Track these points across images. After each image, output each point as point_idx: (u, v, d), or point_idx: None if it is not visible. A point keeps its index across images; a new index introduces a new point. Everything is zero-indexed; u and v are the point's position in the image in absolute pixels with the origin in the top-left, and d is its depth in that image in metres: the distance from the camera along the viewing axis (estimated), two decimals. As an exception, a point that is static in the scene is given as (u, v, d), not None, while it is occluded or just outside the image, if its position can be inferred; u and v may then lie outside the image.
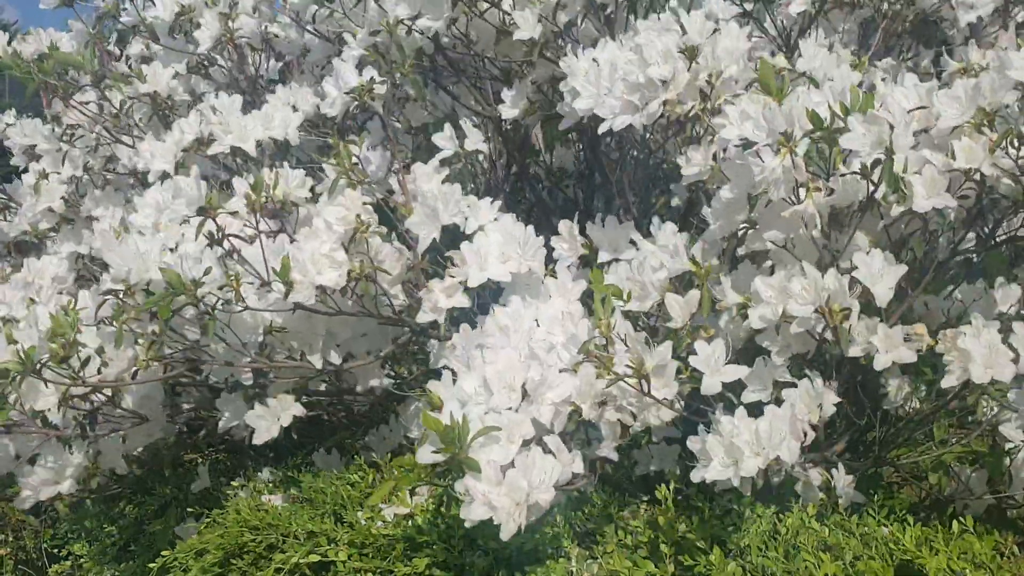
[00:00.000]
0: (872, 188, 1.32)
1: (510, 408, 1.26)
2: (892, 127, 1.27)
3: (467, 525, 1.19)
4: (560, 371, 1.31)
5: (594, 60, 1.51)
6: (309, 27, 2.12)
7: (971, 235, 1.55)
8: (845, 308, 1.29)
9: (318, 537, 1.55)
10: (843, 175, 1.33)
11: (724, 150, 1.46)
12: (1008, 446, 1.52)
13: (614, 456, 1.38)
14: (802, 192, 1.34)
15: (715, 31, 1.44)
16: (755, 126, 1.33)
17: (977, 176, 1.33)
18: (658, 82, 1.42)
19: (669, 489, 1.39)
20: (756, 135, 1.33)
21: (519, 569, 1.39)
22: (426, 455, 1.20)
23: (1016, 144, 1.30)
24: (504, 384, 1.29)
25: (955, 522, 1.29)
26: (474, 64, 1.94)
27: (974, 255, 1.59)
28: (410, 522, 1.52)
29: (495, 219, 1.53)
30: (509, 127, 2.00)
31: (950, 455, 1.60)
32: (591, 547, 1.42)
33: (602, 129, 1.48)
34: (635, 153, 1.98)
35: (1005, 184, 1.35)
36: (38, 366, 1.49)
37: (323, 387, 1.80)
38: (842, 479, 1.44)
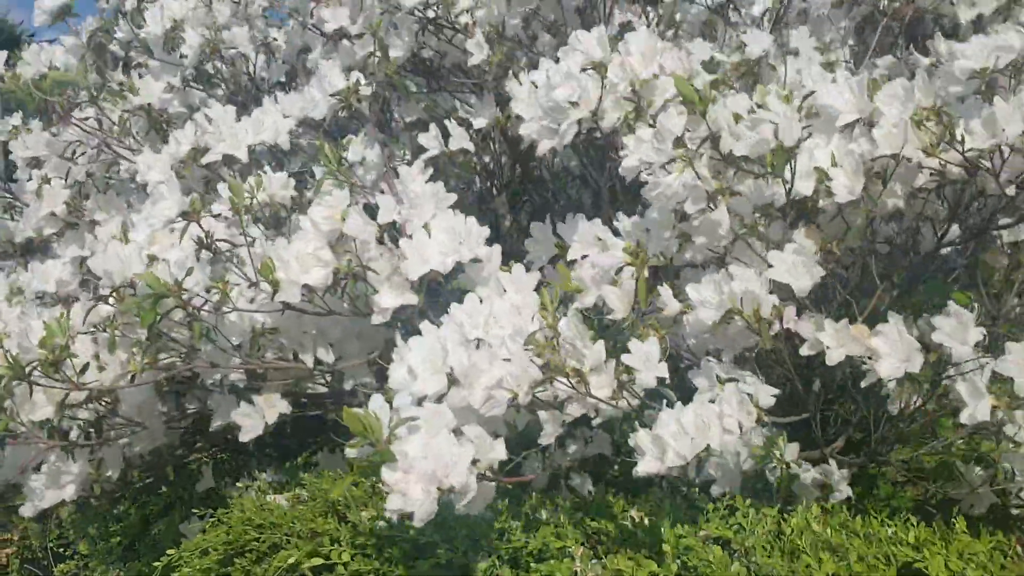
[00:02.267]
0: (788, 185, 1.33)
1: (436, 392, 1.28)
2: (776, 125, 1.29)
3: (387, 515, 1.20)
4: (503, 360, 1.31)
5: (532, 83, 1.53)
6: (309, 26, 2.12)
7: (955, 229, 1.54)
8: (774, 306, 1.30)
9: (321, 537, 1.55)
10: (755, 177, 1.35)
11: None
12: (1011, 445, 1.51)
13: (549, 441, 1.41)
14: (718, 199, 1.36)
15: (618, 39, 1.45)
16: (651, 148, 1.36)
17: (906, 162, 1.34)
18: (567, 104, 1.43)
19: (663, 488, 1.40)
20: (654, 156, 1.36)
21: (523, 569, 1.39)
22: (351, 450, 1.22)
23: (960, 137, 1.29)
24: (429, 368, 1.30)
25: (955, 522, 1.29)
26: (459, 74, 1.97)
27: (959, 246, 1.59)
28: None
29: (434, 215, 1.54)
30: (506, 131, 2.00)
31: (954, 454, 1.60)
32: (595, 547, 1.42)
33: (539, 152, 1.51)
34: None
35: (955, 171, 1.34)
36: (28, 370, 1.49)
37: (319, 387, 1.80)
38: (835, 474, 1.44)
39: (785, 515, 1.34)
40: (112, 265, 1.56)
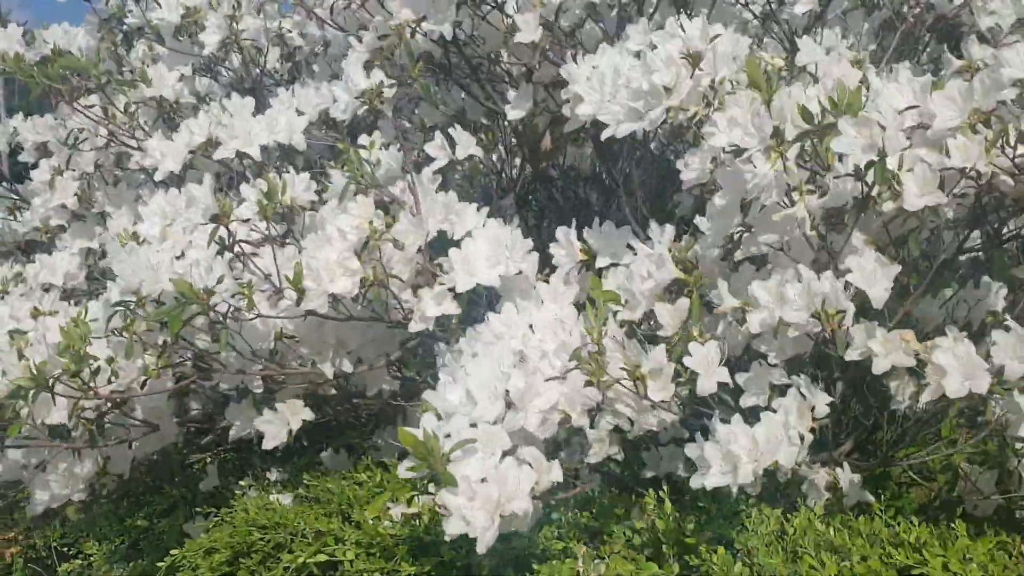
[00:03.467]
0: (866, 189, 1.31)
1: (495, 418, 1.27)
2: (883, 128, 1.26)
3: (447, 539, 1.20)
4: (548, 379, 1.31)
5: (594, 67, 1.50)
6: (328, 20, 2.12)
7: (976, 233, 1.54)
8: (840, 311, 1.28)
9: (325, 537, 1.55)
10: (836, 177, 1.33)
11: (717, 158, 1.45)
12: (1018, 446, 1.51)
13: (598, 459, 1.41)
14: (795, 195, 1.33)
15: (715, 36, 1.43)
16: (744, 132, 1.33)
17: (973, 174, 1.32)
18: (661, 89, 1.41)
19: (664, 490, 1.40)
20: (746, 141, 1.32)
21: (526, 569, 1.39)
22: (404, 470, 1.21)
23: (1012, 143, 1.29)
24: (488, 394, 1.29)
25: (957, 523, 1.29)
26: (486, 64, 1.94)
27: (979, 253, 1.58)
28: (417, 522, 1.53)
29: (482, 224, 1.54)
30: (523, 128, 2.00)
31: (959, 455, 1.59)
32: (598, 547, 1.42)
33: (605, 135, 1.48)
34: (639, 154, 1.97)
35: (1004, 182, 1.33)
36: (50, 381, 1.49)
37: (332, 391, 1.80)
38: (847, 478, 1.43)
39: (788, 515, 1.34)
40: (143, 274, 1.55)
